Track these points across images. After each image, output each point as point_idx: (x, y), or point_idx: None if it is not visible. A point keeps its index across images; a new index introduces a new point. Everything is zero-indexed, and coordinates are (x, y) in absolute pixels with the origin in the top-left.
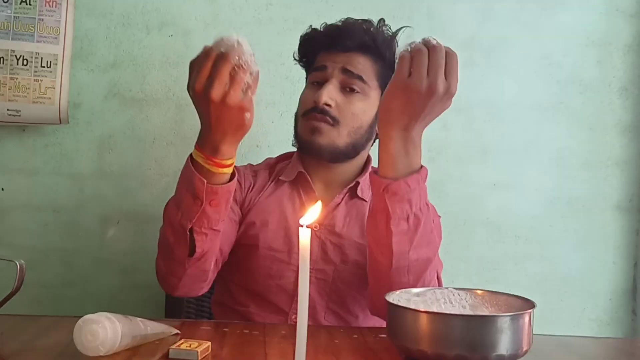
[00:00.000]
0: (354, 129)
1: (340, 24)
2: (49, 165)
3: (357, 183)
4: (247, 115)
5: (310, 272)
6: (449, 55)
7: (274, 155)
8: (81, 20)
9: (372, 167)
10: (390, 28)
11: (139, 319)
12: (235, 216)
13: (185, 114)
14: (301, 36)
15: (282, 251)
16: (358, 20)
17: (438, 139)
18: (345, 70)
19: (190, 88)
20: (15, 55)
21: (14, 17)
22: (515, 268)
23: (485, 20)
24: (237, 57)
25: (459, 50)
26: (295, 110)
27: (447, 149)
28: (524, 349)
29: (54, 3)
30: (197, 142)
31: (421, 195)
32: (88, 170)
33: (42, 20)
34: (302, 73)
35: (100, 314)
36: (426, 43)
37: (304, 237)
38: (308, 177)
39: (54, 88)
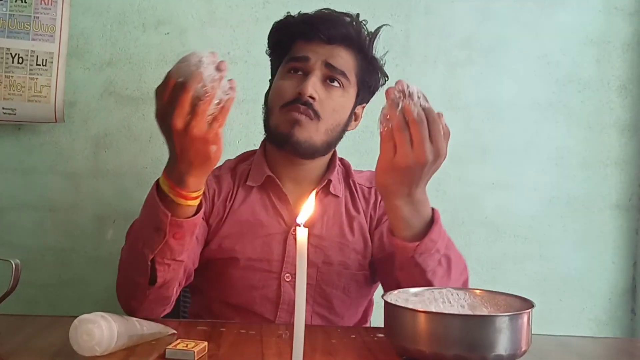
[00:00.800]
0: (332, 126)
1: (319, 13)
2: (44, 164)
3: (330, 181)
4: (213, 148)
5: (293, 278)
6: (431, 120)
7: None
8: (77, 18)
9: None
10: (366, 23)
11: (135, 318)
12: (199, 232)
13: None
14: (276, 22)
15: (262, 260)
16: (336, 11)
17: None
18: (328, 65)
19: (155, 115)
20: (11, 54)
21: (9, 15)
22: (514, 268)
23: (484, 19)
24: (198, 86)
25: (457, 49)
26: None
27: None
28: (523, 349)
29: (50, 1)
30: (165, 168)
31: (443, 237)
32: (84, 169)
33: (38, 18)
34: None
35: (96, 313)
36: (405, 113)
37: (301, 236)
38: (277, 180)
39: (49, 86)
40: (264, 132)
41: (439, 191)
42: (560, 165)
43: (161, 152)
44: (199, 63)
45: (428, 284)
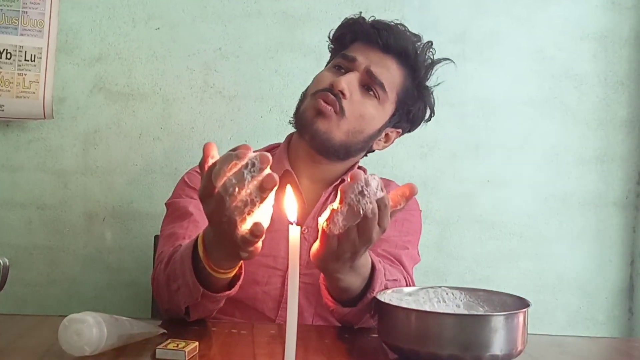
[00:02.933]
0: (355, 131)
1: (390, 23)
2: (33, 161)
3: (343, 180)
4: (244, 254)
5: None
6: (382, 208)
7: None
8: (66, 13)
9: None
10: (434, 54)
11: (125, 318)
12: None
13: (172, 108)
14: (346, 18)
15: (268, 256)
16: (409, 31)
17: (430, 135)
18: (369, 71)
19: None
20: None
21: None
22: (509, 266)
23: (478, 13)
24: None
25: (451, 44)
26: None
27: (439, 145)
28: (519, 349)
29: None
30: (204, 237)
31: (378, 287)
32: (73, 166)
33: (26, 13)
34: (292, 68)
35: (85, 313)
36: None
37: (293, 234)
38: (294, 175)
39: (38, 82)
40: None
41: (433, 189)
42: (556, 162)
43: (151, 149)
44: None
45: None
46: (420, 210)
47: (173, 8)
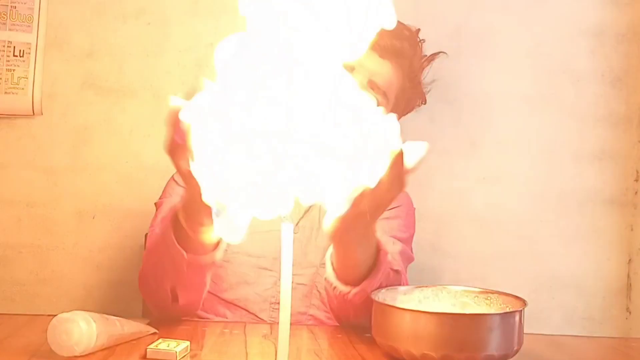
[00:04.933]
0: None
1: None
2: (22, 158)
3: None
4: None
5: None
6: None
7: None
8: (55, 8)
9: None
10: (423, 44)
11: (115, 317)
12: None
13: (163, 105)
14: None
15: (260, 256)
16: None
17: (425, 132)
18: (371, 83)
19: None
20: None
21: None
22: (505, 265)
23: (474, 8)
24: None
25: (446, 39)
26: None
27: (434, 142)
28: (515, 349)
29: None
30: (182, 209)
31: (379, 279)
32: (63, 163)
33: (15, 7)
34: None
35: (75, 312)
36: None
37: (286, 233)
38: None
39: (27, 78)
40: None
41: (428, 186)
42: (553, 159)
43: (142, 146)
44: None
45: (336, 310)
46: (414, 208)
47: (164, 3)
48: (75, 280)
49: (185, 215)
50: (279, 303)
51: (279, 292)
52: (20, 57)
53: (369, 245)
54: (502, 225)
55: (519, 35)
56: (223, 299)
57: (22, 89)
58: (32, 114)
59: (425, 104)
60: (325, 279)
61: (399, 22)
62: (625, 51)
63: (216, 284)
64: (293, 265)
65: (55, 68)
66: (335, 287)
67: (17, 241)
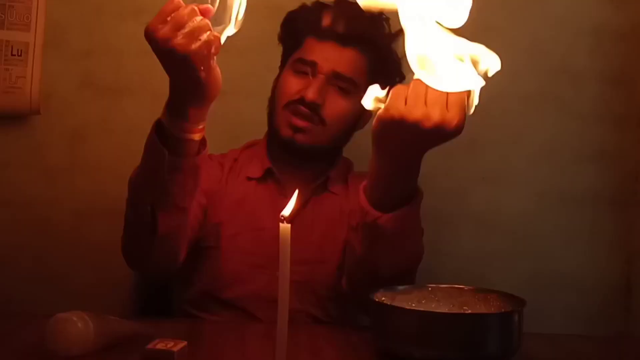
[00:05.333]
0: (339, 132)
1: (336, 7)
2: (19, 158)
3: (328, 177)
4: (202, 73)
5: None
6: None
7: None
8: (53, 7)
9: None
10: (388, 21)
11: (112, 317)
12: (203, 200)
13: (161, 104)
14: (290, 12)
15: (255, 254)
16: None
17: None
18: (336, 74)
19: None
20: None
21: None
22: (504, 265)
23: (472, 7)
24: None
25: None
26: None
27: None
28: (514, 349)
29: None
30: (165, 104)
31: (411, 220)
32: (60, 163)
33: (13, 6)
34: None
35: (72, 312)
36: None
37: (284, 232)
38: (276, 173)
39: (24, 77)
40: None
41: (427, 186)
42: (552, 159)
43: (141, 146)
44: None
45: (363, 253)
46: None
47: (162, 2)
48: (73, 281)
49: (169, 112)
50: (274, 301)
51: (275, 290)
52: (18, 56)
53: (410, 168)
54: (501, 224)
55: (517, 34)
56: (220, 299)
57: (20, 88)
58: (29, 113)
59: (404, 79)
60: (357, 209)
61: (355, 5)
62: (625, 50)
63: (213, 282)
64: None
65: (53, 67)
66: (367, 213)
67: (14, 241)
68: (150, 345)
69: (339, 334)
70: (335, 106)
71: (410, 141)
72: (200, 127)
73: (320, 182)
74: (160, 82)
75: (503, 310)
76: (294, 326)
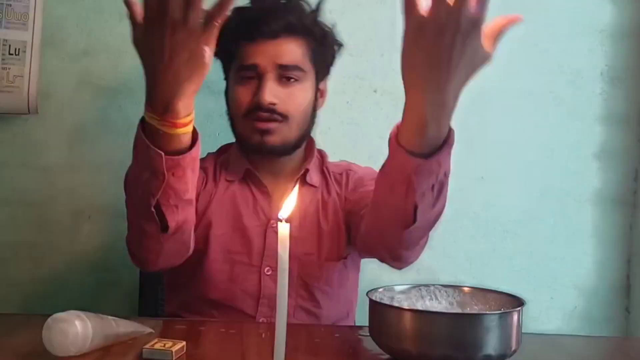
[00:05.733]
0: (302, 120)
1: (255, 6)
2: (17, 157)
3: (307, 170)
4: (207, 50)
5: (274, 271)
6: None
7: None
8: (51, 6)
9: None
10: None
11: (111, 317)
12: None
13: None
14: (223, 29)
15: (242, 253)
16: None
17: None
18: (279, 66)
19: (134, 34)
20: None
21: None
22: (504, 264)
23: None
24: None
25: None
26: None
27: None
28: (513, 349)
29: None
30: (146, 102)
31: (448, 161)
32: (59, 162)
33: (10, 5)
34: None
35: (70, 312)
36: None
37: (283, 231)
38: (256, 173)
39: (22, 77)
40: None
41: None
42: (551, 158)
43: None
44: None
45: (409, 206)
46: None
47: None
48: (71, 280)
49: (151, 109)
50: (266, 298)
51: (264, 287)
52: (16, 55)
53: (437, 116)
54: (501, 224)
55: (517, 33)
56: (211, 300)
57: (18, 87)
58: (27, 112)
59: (342, 45)
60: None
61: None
62: (625, 49)
63: (203, 284)
64: (274, 258)
65: (51, 66)
66: (402, 160)
67: (12, 240)
68: (148, 345)
69: (338, 333)
70: (292, 97)
71: (441, 62)
72: (190, 119)
73: (299, 176)
74: None
75: (502, 309)
76: (292, 325)
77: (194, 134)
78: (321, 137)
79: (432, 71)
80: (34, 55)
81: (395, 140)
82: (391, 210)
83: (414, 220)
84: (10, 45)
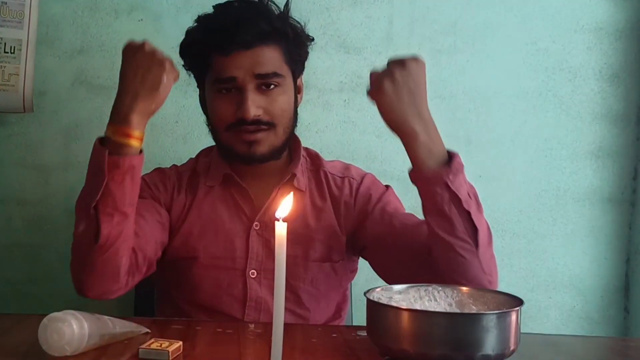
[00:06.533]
0: (288, 123)
1: (221, 16)
2: (12, 156)
3: (294, 175)
4: (164, 76)
5: (258, 274)
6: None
7: None
8: (47, 4)
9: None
10: (272, 2)
11: (107, 317)
12: (162, 218)
13: None
14: (185, 40)
15: (226, 258)
16: (238, 3)
17: None
18: (257, 75)
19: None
20: None
21: None
22: (502, 264)
23: (470, 4)
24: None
25: (442, 36)
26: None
27: None
28: (511, 349)
29: None
30: (110, 114)
31: (465, 178)
32: (54, 161)
33: (6, 3)
34: None
35: (66, 312)
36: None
37: (280, 231)
38: (236, 177)
39: (17, 75)
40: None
41: None
42: (550, 157)
43: None
44: None
45: (468, 224)
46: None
47: (156, 0)
48: (67, 279)
49: (111, 120)
50: (253, 301)
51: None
52: (11, 53)
53: (430, 127)
54: (498, 223)
55: (515, 31)
56: (200, 305)
57: (13, 85)
58: (23, 111)
59: (313, 39)
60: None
61: (233, 3)
62: (623, 47)
63: (190, 291)
64: (259, 261)
65: (47, 65)
66: (431, 176)
67: (8, 240)
68: (144, 345)
69: (335, 333)
70: (275, 104)
71: (406, 97)
72: (141, 135)
73: (285, 181)
74: None
75: (500, 309)
76: (289, 325)
77: (141, 151)
78: (318, 135)
79: (406, 107)
80: (29, 53)
81: (414, 176)
82: (456, 238)
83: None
84: (5, 44)
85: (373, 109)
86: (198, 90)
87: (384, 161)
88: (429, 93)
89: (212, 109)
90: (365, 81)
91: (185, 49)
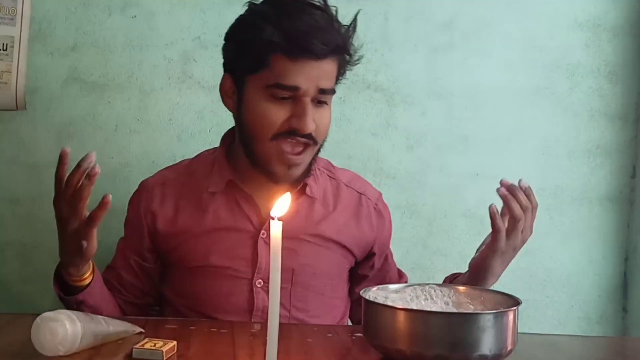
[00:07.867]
0: (323, 144)
1: (297, 20)
2: (4, 154)
3: (306, 184)
4: (84, 243)
5: (265, 283)
6: (534, 206)
7: None
8: (39, 0)
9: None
10: (336, 13)
11: (100, 316)
12: (148, 262)
13: (149, 100)
14: (246, 25)
15: (231, 267)
16: (314, 10)
17: (417, 127)
18: (321, 90)
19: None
20: None
21: None
22: None
23: (467, 1)
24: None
25: (438, 33)
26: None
27: (426, 137)
28: (508, 349)
29: None
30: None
31: None
32: (47, 159)
33: None
34: None
35: (59, 311)
36: (528, 195)
37: (275, 230)
38: (239, 185)
39: (10, 72)
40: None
41: (420, 182)
42: (547, 155)
43: (128, 142)
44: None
45: None
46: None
47: None
48: None
49: (61, 265)
50: (259, 311)
51: (256, 300)
52: (4, 50)
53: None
54: None
55: (513, 29)
56: (203, 313)
57: (5, 83)
58: (15, 108)
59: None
60: None
61: (314, 5)
62: (622, 45)
63: (193, 300)
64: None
65: (39, 62)
66: None
67: (0, 238)
68: (138, 345)
69: (331, 333)
70: (323, 121)
71: (508, 260)
72: (85, 276)
73: (298, 190)
74: (147, 77)
75: (498, 309)
76: (285, 325)
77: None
78: None
79: (501, 267)
80: (21, 50)
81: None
82: None
83: None
84: None
85: (369, 107)
86: (222, 82)
87: (380, 159)
88: (426, 90)
89: (262, 113)
90: (362, 78)
91: (242, 41)
